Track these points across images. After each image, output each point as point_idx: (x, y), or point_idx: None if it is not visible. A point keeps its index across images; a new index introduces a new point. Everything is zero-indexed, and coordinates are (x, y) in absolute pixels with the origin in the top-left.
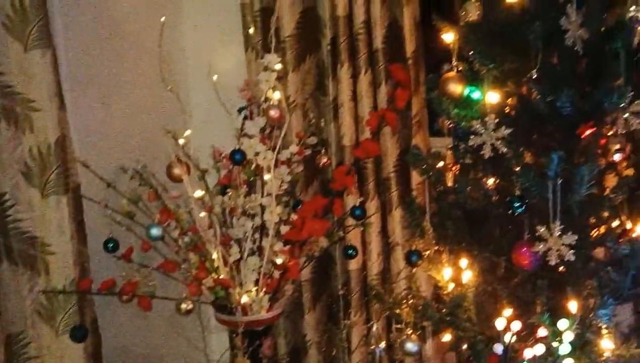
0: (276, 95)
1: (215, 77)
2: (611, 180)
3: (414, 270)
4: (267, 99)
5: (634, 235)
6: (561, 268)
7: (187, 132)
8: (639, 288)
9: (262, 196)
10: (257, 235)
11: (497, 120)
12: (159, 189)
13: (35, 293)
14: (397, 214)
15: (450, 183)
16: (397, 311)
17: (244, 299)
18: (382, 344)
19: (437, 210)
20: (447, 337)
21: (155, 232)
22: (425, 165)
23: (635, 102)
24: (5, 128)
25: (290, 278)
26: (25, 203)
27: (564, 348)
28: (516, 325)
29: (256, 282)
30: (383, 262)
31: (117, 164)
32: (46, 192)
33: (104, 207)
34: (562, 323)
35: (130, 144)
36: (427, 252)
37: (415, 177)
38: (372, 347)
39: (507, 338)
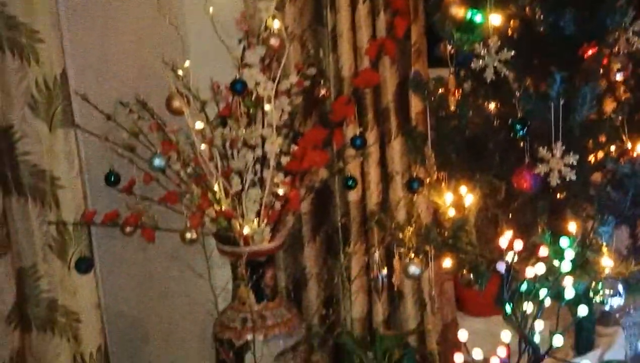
0: (276, 24)
1: (211, 9)
2: (611, 103)
3: (415, 197)
4: (267, 28)
5: (634, 155)
6: (560, 194)
7: (186, 63)
8: (638, 209)
9: (262, 127)
10: (258, 167)
11: (499, 42)
12: (159, 122)
13: (46, 227)
14: (396, 144)
15: (451, 109)
16: (400, 236)
17: (246, 230)
18: (384, 271)
19: (438, 137)
20: (447, 263)
21: (159, 162)
22: (426, 91)
23: (637, 22)
24: (10, 60)
25: (291, 209)
26: (33, 136)
27: (565, 266)
28: (518, 244)
29: (257, 214)
30: (382, 192)
31: (116, 97)
32: (54, 125)
33: (104, 140)
34: (564, 241)
35: (128, 76)
36: (428, 179)
37: (415, 106)
38: (374, 274)
39: (509, 257)
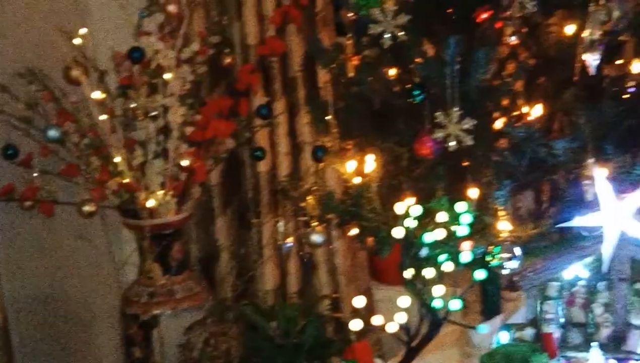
0: None
1: None
2: (511, 69)
3: (321, 166)
4: None
5: (529, 119)
6: (462, 160)
7: (83, 30)
8: (537, 173)
9: (164, 97)
10: (161, 137)
11: (396, 7)
12: (57, 93)
13: None
14: (304, 114)
15: (352, 76)
16: (303, 204)
17: (150, 203)
18: (290, 239)
19: (341, 106)
20: (353, 231)
21: (53, 133)
22: (326, 58)
23: None
24: None
25: (197, 180)
26: None
27: (462, 230)
28: (416, 210)
29: (162, 185)
30: (292, 163)
31: (11, 68)
32: None
33: (0, 112)
34: (460, 206)
35: (25, 46)
36: (333, 147)
37: (323, 76)
38: (279, 243)
39: (407, 223)
